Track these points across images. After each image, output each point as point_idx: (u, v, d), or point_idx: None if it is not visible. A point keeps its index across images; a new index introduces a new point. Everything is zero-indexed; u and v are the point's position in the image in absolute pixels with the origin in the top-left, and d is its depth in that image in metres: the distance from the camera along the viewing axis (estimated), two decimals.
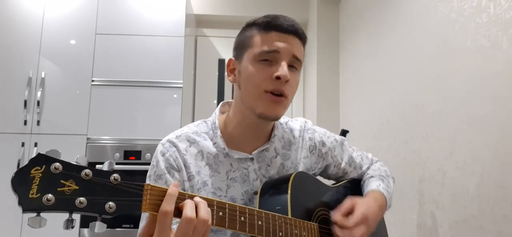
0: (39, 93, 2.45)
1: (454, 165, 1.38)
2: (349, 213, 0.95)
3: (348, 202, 0.97)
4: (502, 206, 1.15)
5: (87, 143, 2.45)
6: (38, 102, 2.45)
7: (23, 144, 2.41)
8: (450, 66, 1.44)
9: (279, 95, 0.92)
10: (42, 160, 0.63)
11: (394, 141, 1.88)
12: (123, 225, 2.37)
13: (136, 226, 2.37)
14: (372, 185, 1.11)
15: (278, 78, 0.90)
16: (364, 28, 2.38)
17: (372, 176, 1.16)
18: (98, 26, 2.57)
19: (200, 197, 0.74)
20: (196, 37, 3.25)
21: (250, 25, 0.98)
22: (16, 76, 2.48)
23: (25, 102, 2.42)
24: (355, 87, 2.51)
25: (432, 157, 1.53)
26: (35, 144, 2.42)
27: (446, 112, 1.45)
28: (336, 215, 0.94)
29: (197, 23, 3.25)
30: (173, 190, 0.71)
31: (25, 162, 2.38)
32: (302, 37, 0.96)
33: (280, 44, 0.92)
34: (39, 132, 2.44)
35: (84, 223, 2.35)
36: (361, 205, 0.97)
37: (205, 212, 0.71)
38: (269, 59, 0.92)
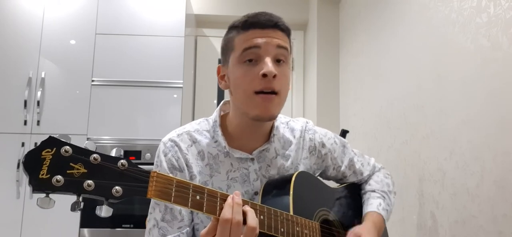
0: (39, 93, 2.45)
1: (454, 165, 1.38)
2: None
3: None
4: (502, 206, 1.15)
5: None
6: (38, 102, 2.44)
7: (23, 144, 2.41)
8: (450, 66, 1.44)
9: (270, 93, 0.89)
10: (53, 142, 0.65)
11: (394, 141, 1.88)
12: (123, 225, 2.37)
13: (136, 226, 2.37)
14: (373, 204, 1.11)
15: (264, 75, 0.88)
16: (364, 28, 2.37)
17: (373, 191, 1.15)
18: (98, 26, 2.57)
19: (251, 204, 0.80)
20: (196, 37, 3.25)
21: (231, 28, 0.96)
22: (16, 76, 2.48)
23: (25, 102, 2.42)
24: (355, 87, 2.51)
25: (432, 157, 1.53)
26: (35, 144, 2.41)
27: (446, 112, 1.45)
28: None
29: (197, 23, 3.25)
30: (237, 199, 0.76)
31: None
32: (283, 29, 0.93)
33: (260, 40, 0.89)
34: (39, 132, 2.44)
35: (84, 223, 2.35)
36: None
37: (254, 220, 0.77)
38: (252, 58, 0.90)
